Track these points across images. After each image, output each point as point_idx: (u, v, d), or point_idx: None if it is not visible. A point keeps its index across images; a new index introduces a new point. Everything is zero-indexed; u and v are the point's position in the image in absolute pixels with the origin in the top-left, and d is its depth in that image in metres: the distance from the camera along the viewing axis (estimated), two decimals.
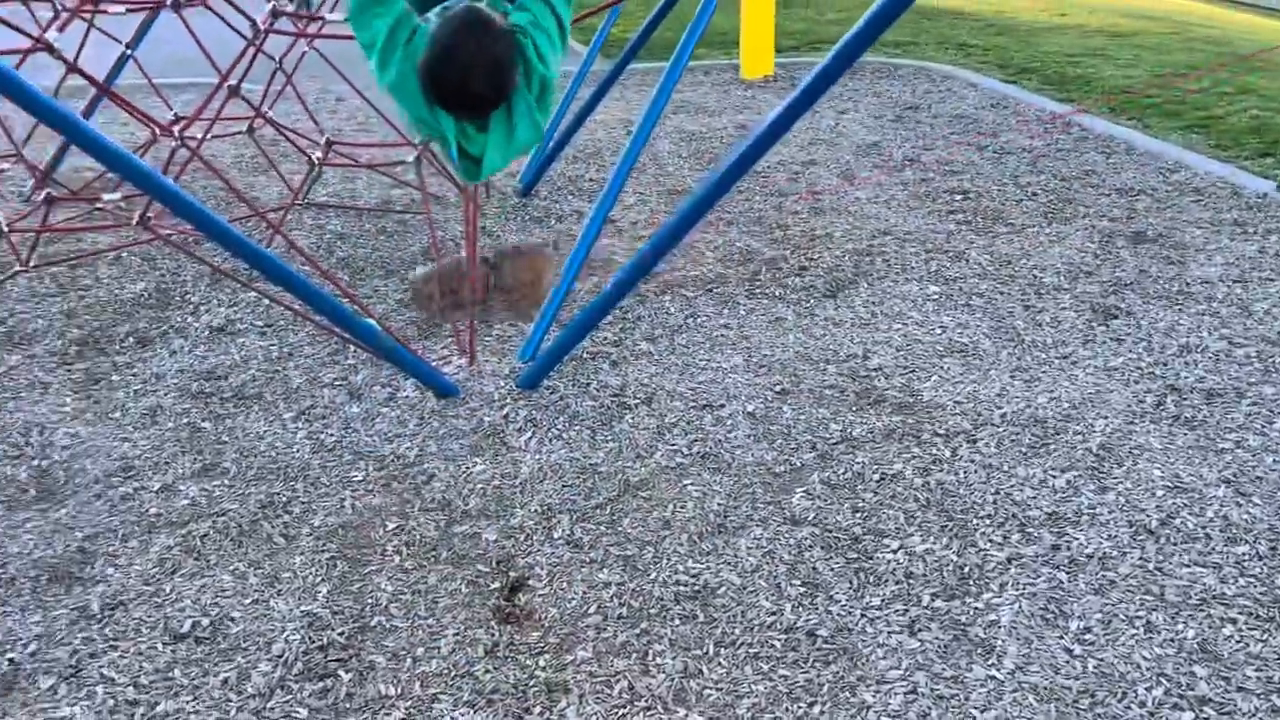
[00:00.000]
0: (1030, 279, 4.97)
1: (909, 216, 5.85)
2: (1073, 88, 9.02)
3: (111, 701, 2.56)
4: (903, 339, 4.40)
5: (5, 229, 3.95)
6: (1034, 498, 3.29)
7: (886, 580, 2.95)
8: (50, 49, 3.59)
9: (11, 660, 2.70)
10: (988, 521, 3.18)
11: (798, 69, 9.79)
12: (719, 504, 3.31)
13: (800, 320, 4.60)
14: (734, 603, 2.88)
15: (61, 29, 3.98)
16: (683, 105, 8.57)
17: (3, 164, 5.66)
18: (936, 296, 4.80)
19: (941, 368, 4.14)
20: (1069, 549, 3.04)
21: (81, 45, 4.81)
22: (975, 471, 3.44)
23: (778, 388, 4.02)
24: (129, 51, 5.72)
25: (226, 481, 3.46)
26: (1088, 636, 2.71)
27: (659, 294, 4.88)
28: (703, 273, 5.13)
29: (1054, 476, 3.40)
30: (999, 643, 2.70)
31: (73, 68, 4.18)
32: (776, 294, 4.88)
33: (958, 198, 6.15)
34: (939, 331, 4.46)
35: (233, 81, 4.57)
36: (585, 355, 4.27)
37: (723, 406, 3.89)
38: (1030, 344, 4.33)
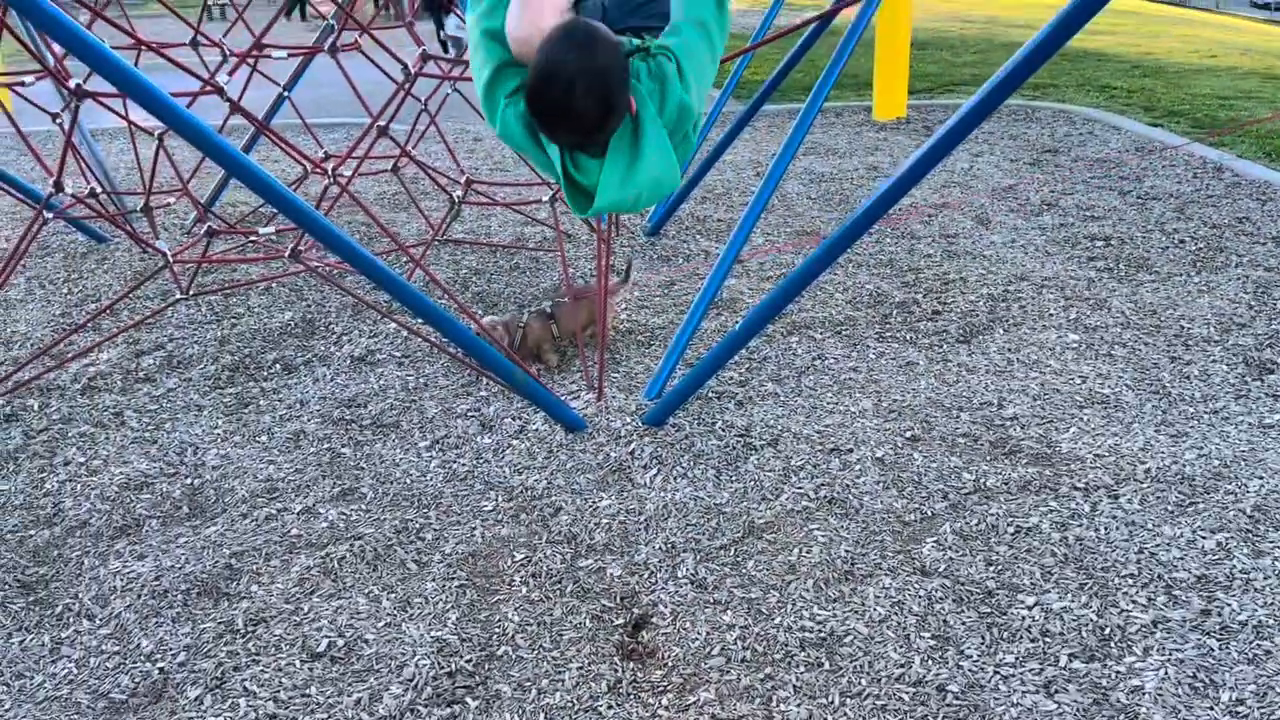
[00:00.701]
0: (1177, 330, 4.77)
1: (1047, 262, 5.69)
2: (1224, 131, 8.66)
3: (253, 715, 2.66)
4: (1040, 388, 4.27)
5: (170, 259, 4.19)
6: (1181, 559, 3.14)
7: (1021, 637, 2.85)
8: (220, 92, 3.82)
9: (161, 669, 2.84)
10: (1131, 581, 3.05)
11: (931, 111, 9.68)
12: (846, 550, 3.26)
13: (932, 365, 4.52)
14: (861, 652, 2.82)
15: (231, 74, 4.24)
16: (813, 146, 8.56)
17: (169, 198, 6.02)
18: (1076, 345, 4.65)
19: (1081, 419, 4.00)
20: (1220, 615, 2.89)
21: (245, 87, 5.11)
22: (1117, 528, 3.30)
23: (908, 434, 3.95)
24: (286, 94, 6.05)
25: (364, 506, 3.58)
26: (1241, 709, 2.56)
27: (786, 335, 4.86)
28: (831, 314, 5.09)
29: (1203, 537, 3.24)
30: (1143, 710, 2.57)
31: (236, 107, 4.44)
32: (908, 338, 4.80)
33: (1099, 244, 5.95)
34: (1079, 381, 4.31)
35: (381, 122, 4.77)
36: (711, 394, 4.28)
37: (851, 451, 3.84)
38: (1177, 397, 4.15)
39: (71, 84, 3.84)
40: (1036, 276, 5.48)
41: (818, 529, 3.37)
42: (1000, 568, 3.14)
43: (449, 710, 2.67)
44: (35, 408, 4.32)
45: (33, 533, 3.48)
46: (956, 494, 3.54)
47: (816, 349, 4.72)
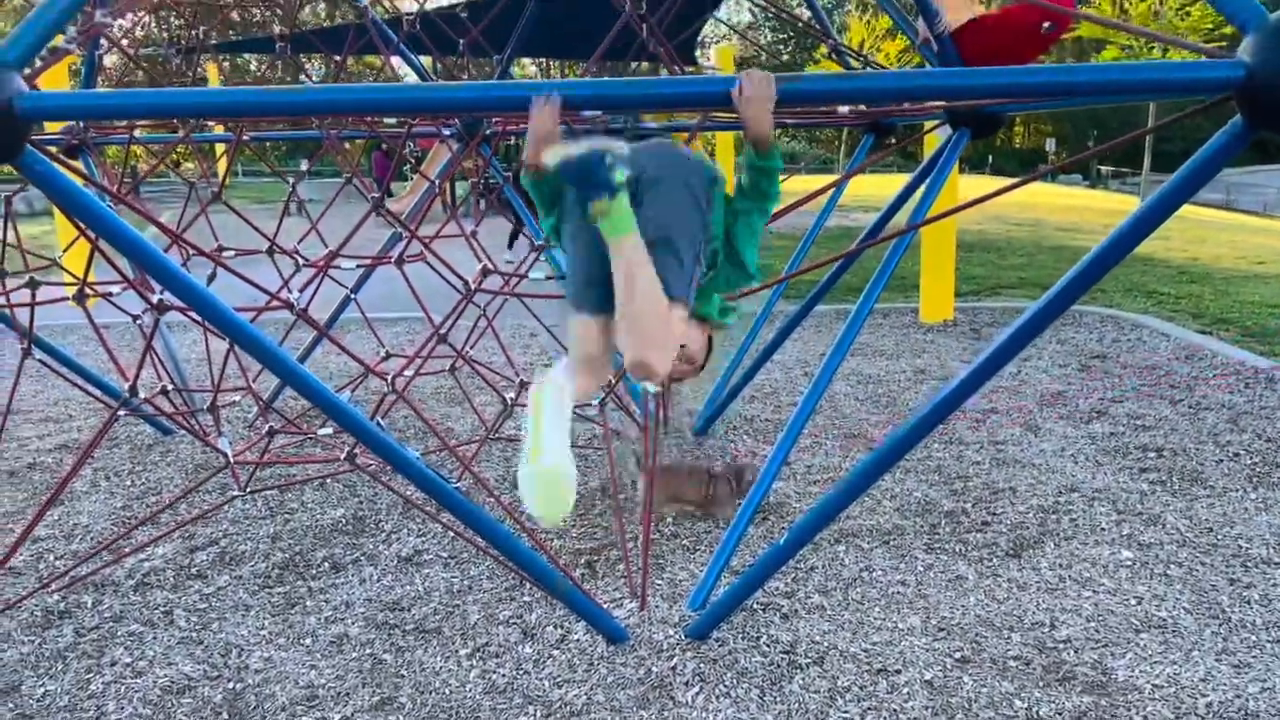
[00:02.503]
0: (1235, 549, 4.66)
1: (1098, 473, 5.65)
2: (1275, 341, 8.66)
3: None
4: (1093, 608, 4.16)
5: (231, 459, 4.34)
6: None
7: None
8: (290, 307, 4.04)
9: None
10: None
11: (978, 314, 9.84)
12: None
13: (982, 580, 4.44)
14: None
15: (302, 290, 4.50)
16: (860, 347, 8.70)
17: (234, 395, 6.26)
18: (1130, 563, 4.56)
19: (1137, 644, 3.88)
20: None
21: (313, 296, 5.38)
22: None
23: (957, 654, 3.85)
24: (352, 295, 6.36)
25: (401, 718, 3.55)
26: None
27: (833, 543, 4.83)
28: (879, 522, 5.06)
29: None
30: None
31: (302, 317, 4.68)
32: (956, 550, 4.75)
33: (1151, 455, 5.91)
34: (1134, 603, 4.20)
35: (441, 330, 4.98)
36: (756, 605, 4.23)
37: (899, 672, 3.74)
38: (1238, 624, 4.02)
39: (154, 298, 4.10)
40: (1087, 488, 5.43)
41: None
42: None
43: None
44: (89, 604, 4.40)
45: None
46: None
47: (864, 559, 4.67)
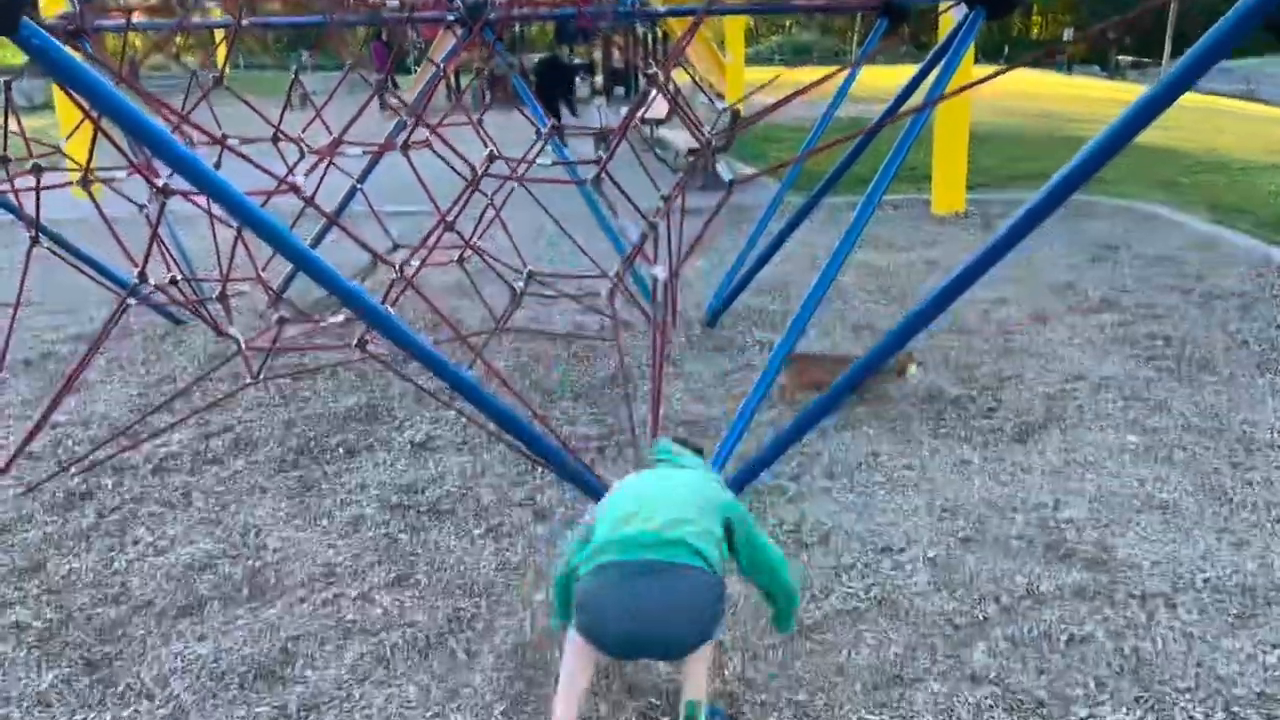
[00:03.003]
0: (1240, 434, 4.70)
1: (1105, 361, 5.66)
2: None
3: None
4: (1096, 490, 4.22)
5: (243, 346, 4.36)
6: (1241, 673, 3.07)
7: None
8: (297, 191, 4.02)
9: None
10: (1188, 696, 2.98)
11: (990, 206, 9.73)
12: (895, 653, 3.23)
13: (987, 464, 4.50)
14: None
15: (307, 174, 4.46)
16: (870, 240, 8.64)
17: (244, 285, 6.26)
18: (1134, 447, 4.60)
19: (1138, 524, 3.95)
20: None
21: (321, 180, 5.34)
22: (1175, 640, 3.24)
23: (961, 534, 3.92)
24: (359, 185, 6.30)
25: (418, 593, 3.65)
26: None
27: (840, 430, 4.88)
28: (886, 410, 5.10)
29: (1265, 652, 3.16)
30: None
31: (310, 203, 4.65)
32: (962, 435, 4.80)
33: (1159, 343, 5.91)
34: (1136, 485, 4.26)
35: (448, 219, 4.95)
36: (762, 488, 4.30)
37: (903, 550, 3.82)
38: (1239, 504, 4.07)
39: (159, 182, 4.06)
40: (1095, 375, 5.45)
41: (867, 630, 3.36)
42: (1052, 677, 3.09)
43: None
44: (109, 486, 4.49)
45: (100, 610, 3.59)
46: (1009, 598, 3.51)
47: (871, 445, 4.73)
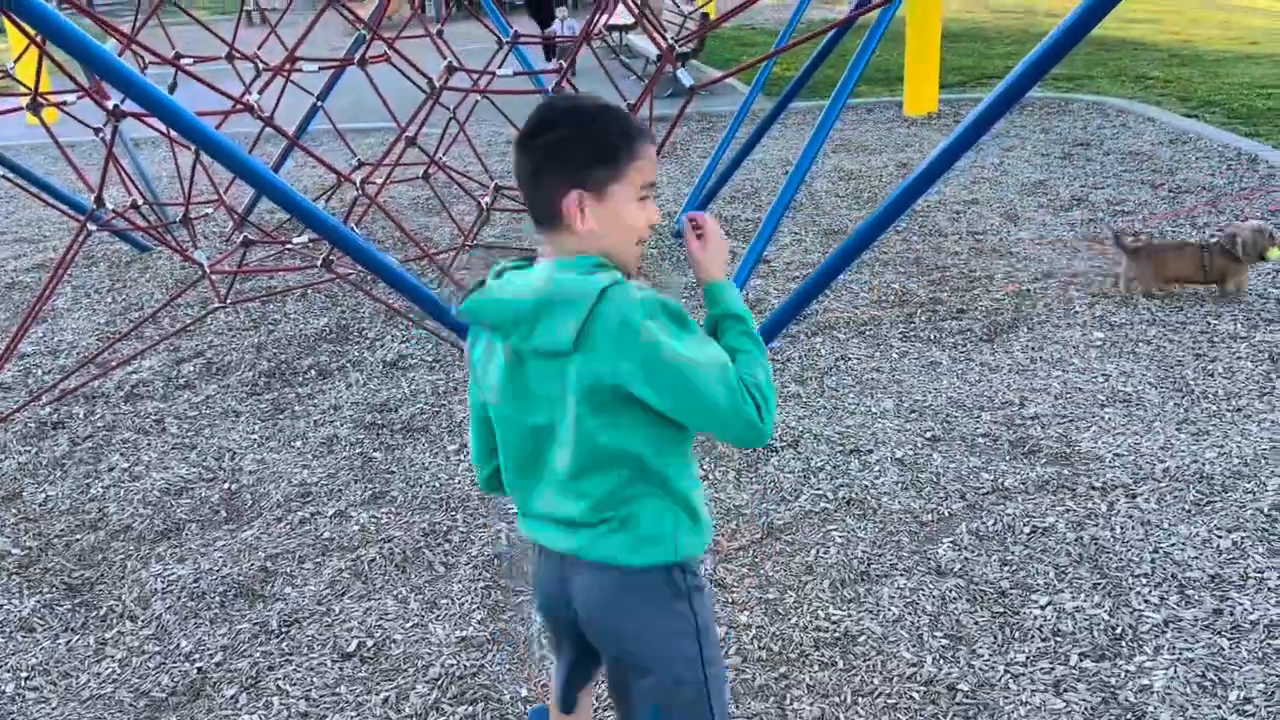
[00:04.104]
0: (1204, 326, 4.75)
1: (1074, 258, 5.69)
2: (1261, 121, 8.55)
3: (285, 713, 2.78)
4: (1062, 386, 4.28)
5: (207, 270, 4.33)
6: (1196, 558, 3.16)
7: (1033, 636, 2.89)
8: (251, 110, 3.94)
9: (200, 669, 2.96)
10: (1144, 581, 3.07)
11: (963, 106, 9.64)
12: (863, 551, 3.31)
13: (955, 365, 4.55)
14: (874, 652, 2.88)
15: (262, 91, 4.37)
16: (842, 144, 8.58)
17: (208, 208, 6.18)
18: (1100, 343, 4.65)
19: (1102, 418, 4.02)
20: (1232, 614, 2.91)
21: (279, 99, 5.24)
22: (1133, 528, 3.32)
23: (929, 434, 3.99)
24: (319, 104, 6.18)
25: (394, 510, 3.69)
26: (1248, 708, 2.58)
27: (810, 335, 4.91)
28: (855, 314, 5.13)
29: (1219, 536, 3.25)
30: (1150, 708, 2.61)
31: (268, 123, 4.57)
32: (932, 337, 4.84)
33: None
34: (1101, 380, 4.32)
35: (409, 133, 4.88)
36: None
37: (871, 452, 3.88)
38: (1200, 395, 4.14)
39: (109, 104, 3.98)
40: (1064, 273, 5.48)
41: (835, 530, 3.43)
42: (1015, 568, 3.18)
43: (472, 708, 2.76)
44: (81, 415, 4.49)
45: (79, 537, 3.63)
46: (974, 494, 3.58)
47: (840, 349, 4.76)
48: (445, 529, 3.56)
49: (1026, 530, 3.36)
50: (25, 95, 4.58)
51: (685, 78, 4.51)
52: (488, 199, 5.70)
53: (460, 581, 3.28)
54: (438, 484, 3.84)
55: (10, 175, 5.12)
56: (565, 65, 4.75)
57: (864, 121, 9.48)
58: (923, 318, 5.05)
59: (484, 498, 3.73)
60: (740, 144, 6.45)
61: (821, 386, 4.41)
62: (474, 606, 3.16)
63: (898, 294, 5.35)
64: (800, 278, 5.64)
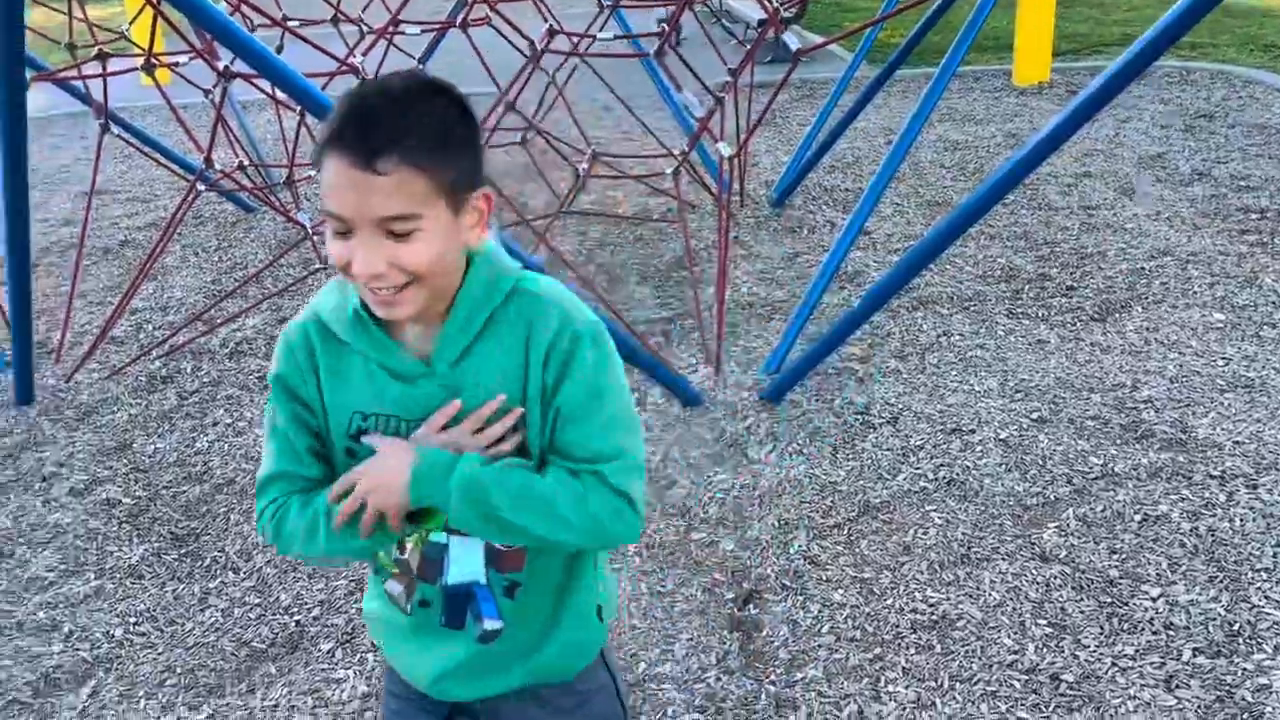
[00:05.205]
0: None
1: (1194, 236, 5.42)
2: None
3: (379, 670, 2.82)
4: (1178, 370, 4.09)
5: (309, 230, 4.40)
6: None
7: (1143, 629, 2.77)
8: (356, 73, 3.97)
9: (298, 622, 3.02)
10: (1264, 576, 2.92)
11: (1076, 75, 9.27)
12: (963, 533, 3.21)
13: (1064, 344, 4.38)
14: (973, 637, 2.79)
15: (366, 53, 4.40)
16: (948, 113, 8.31)
17: (309, 170, 6.28)
18: (1221, 325, 4.43)
19: (1221, 404, 3.82)
20: None
21: (382, 62, 5.27)
22: (1254, 520, 3.16)
23: (1034, 415, 3.85)
24: (420, 66, 6.20)
25: None
26: None
27: (911, 310, 4.78)
28: (960, 289, 4.98)
29: None
30: (1269, 709, 2.47)
31: None
32: (1039, 315, 4.66)
33: (1253, 216, 5.63)
34: (1221, 364, 4.11)
35: (509, 97, 4.87)
36: (830, 370, 4.25)
37: (973, 432, 3.76)
38: None
39: (220, 65, 4.05)
40: (1182, 251, 5.23)
41: (934, 510, 3.33)
42: (1124, 556, 3.05)
43: None
44: (188, 370, 4.61)
45: (185, 489, 3.73)
46: (1082, 479, 3.44)
47: (943, 325, 4.63)
48: None
49: (1137, 518, 3.21)
50: (140, 56, 4.70)
51: (793, 41, 4.39)
52: (584, 165, 5.67)
53: None
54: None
55: (125, 135, 5.26)
56: (667, 29, 4.68)
57: (970, 90, 9.17)
58: (1030, 294, 4.88)
59: None
60: (842, 112, 6.29)
61: (922, 363, 4.29)
62: None
63: (1004, 269, 5.17)
64: (901, 250, 5.49)
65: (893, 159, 4.76)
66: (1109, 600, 2.88)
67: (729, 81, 4.78)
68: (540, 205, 6.50)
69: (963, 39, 4.75)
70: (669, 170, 5.63)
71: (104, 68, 4.59)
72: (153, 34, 4.30)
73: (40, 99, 9.14)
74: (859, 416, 3.92)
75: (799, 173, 6.42)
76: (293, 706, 2.72)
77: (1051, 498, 3.36)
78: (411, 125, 1.30)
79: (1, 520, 3.60)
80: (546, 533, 1.41)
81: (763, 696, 2.65)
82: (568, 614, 1.57)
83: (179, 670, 2.87)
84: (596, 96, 9.16)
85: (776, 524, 3.32)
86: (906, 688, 2.64)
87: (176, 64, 4.77)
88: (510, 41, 4.85)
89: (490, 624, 1.51)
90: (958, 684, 2.64)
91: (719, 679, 2.72)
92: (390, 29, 4.73)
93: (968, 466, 3.56)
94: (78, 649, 2.98)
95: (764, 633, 2.87)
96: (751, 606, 2.98)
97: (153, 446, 4.02)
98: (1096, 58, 10.10)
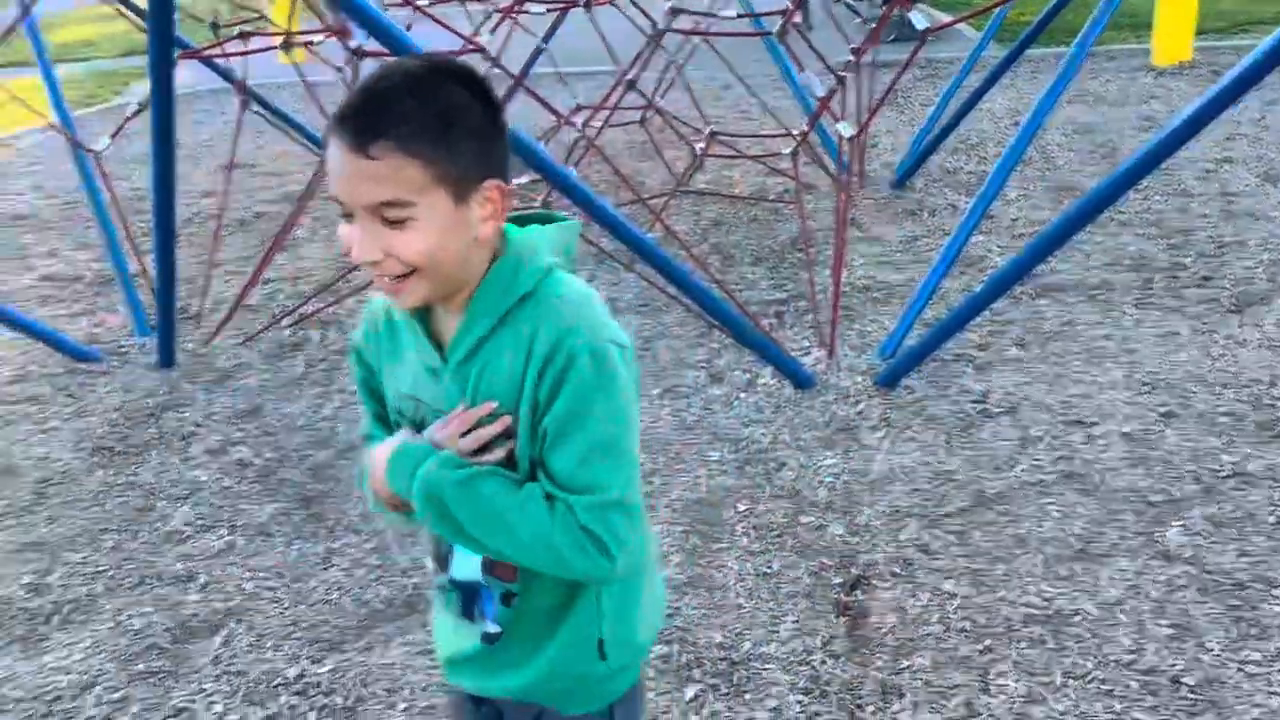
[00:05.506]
0: None
1: None
2: None
3: None
4: None
5: None
6: None
7: (1273, 635, 2.66)
8: (483, 51, 4.05)
9: (415, 585, 3.13)
10: None
11: (1220, 54, 8.82)
12: (1082, 528, 3.13)
13: (1196, 337, 4.20)
14: (1089, 634, 2.73)
15: (493, 30, 4.48)
16: (1080, 94, 8.02)
17: None
18: None
19: None
20: None
21: (505, 40, 5.37)
22: None
23: (1162, 409, 3.71)
24: (543, 45, 6.29)
25: None
26: None
27: (1034, 297, 4.65)
28: (1087, 277, 4.82)
29: None
30: None
31: (495, 63, 4.68)
32: (1171, 305, 4.48)
33: None
34: None
35: (629, 77, 4.90)
36: (948, 357, 4.17)
37: (1096, 424, 3.65)
38: None
39: (353, 43, 4.18)
40: None
41: (1052, 504, 3.25)
42: (1256, 560, 2.93)
43: (664, 649, 2.80)
44: (316, 339, 4.80)
45: (311, 452, 3.89)
46: (1212, 477, 3.31)
47: (1067, 314, 4.49)
48: (647, 471, 3.60)
49: (1271, 520, 3.08)
50: (279, 35, 4.88)
51: (921, 20, 4.28)
52: (702, 145, 5.67)
53: (660, 523, 3.32)
54: (640, 427, 3.88)
55: (263, 111, 5.48)
56: (791, 7, 4.63)
57: (1104, 70, 8.81)
58: (1161, 284, 4.69)
59: (685, 443, 3.75)
60: (967, 93, 6.13)
61: (1044, 352, 4.18)
62: (672, 549, 3.20)
63: (1135, 258, 4.99)
64: (1026, 235, 5.34)
65: (1020, 141, 4.62)
66: (1236, 604, 2.78)
67: (852, 61, 4.71)
68: (656, 184, 6.52)
69: (1102, 14, 4.58)
70: (787, 150, 5.58)
71: (245, 45, 4.79)
72: (291, 14, 4.46)
73: (184, 76, 9.55)
74: (976, 405, 3.84)
75: (920, 154, 6.29)
76: (408, 665, 2.82)
77: (1177, 495, 3.24)
78: (411, 111, 1.26)
79: (145, 476, 3.82)
80: (504, 550, 1.37)
81: (868, 682, 2.64)
82: (562, 637, 1.50)
83: (303, 625, 3.01)
84: (716, 76, 9.14)
85: (887, 510, 3.29)
86: (1017, 681, 2.60)
87: (312, 42, 4.95)
88: (632, 20, 4.87)
89: (489, 626, 1.52)
90: (1071, 681, 2.58)
91: (824, 662, 2.72)
92: (515, 8, 4.80)
93: (1089, 460, 3.46)
94: (211, 600, 3.15)
95: (871, 619, 2.86)
96: (859, 592, 2.96)
97: (283, 411, 4.20)
98: (1243, 36, 9.59)
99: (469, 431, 1.38)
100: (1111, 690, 2.54)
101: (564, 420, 1.33)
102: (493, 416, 1.37)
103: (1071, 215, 3.56)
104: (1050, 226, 3.67)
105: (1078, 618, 2.78)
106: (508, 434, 1.38)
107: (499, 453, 1.38)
